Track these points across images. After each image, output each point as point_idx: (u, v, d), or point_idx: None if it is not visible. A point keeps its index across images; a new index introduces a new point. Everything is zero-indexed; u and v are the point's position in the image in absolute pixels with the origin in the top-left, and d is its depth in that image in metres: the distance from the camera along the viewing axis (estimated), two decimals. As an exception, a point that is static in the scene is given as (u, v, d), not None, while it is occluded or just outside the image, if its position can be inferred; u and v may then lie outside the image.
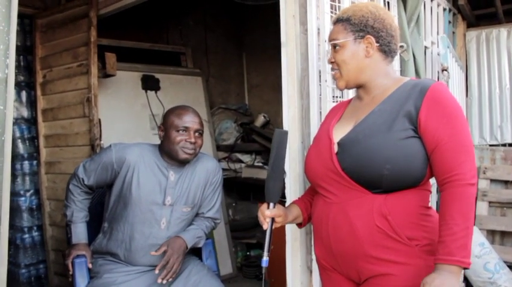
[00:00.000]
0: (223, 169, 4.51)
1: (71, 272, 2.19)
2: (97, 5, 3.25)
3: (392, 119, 1.41)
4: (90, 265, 2.22)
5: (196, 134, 2.22)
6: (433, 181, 1.50)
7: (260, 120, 4.76)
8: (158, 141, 2.32)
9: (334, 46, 1.55)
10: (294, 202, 1.74)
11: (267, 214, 1.53)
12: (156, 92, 4.11)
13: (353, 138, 1.46)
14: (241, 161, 4.60)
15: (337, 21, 1.56)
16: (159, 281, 2.07)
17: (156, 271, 2.08)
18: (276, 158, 1.51)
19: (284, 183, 1.52)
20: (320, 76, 2.04)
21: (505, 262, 3.24)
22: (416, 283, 1.37)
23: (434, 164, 1.38)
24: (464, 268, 1.29)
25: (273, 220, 1.55)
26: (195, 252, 2.45)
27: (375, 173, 1.37)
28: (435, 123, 1.36)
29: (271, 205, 1.54)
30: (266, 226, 1.53)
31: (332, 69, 1.61)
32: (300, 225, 1.75)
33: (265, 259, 1.51)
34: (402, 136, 1.38)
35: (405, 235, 1.39)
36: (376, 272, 1.42)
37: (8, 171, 1.24)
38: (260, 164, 4.37)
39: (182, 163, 2.26)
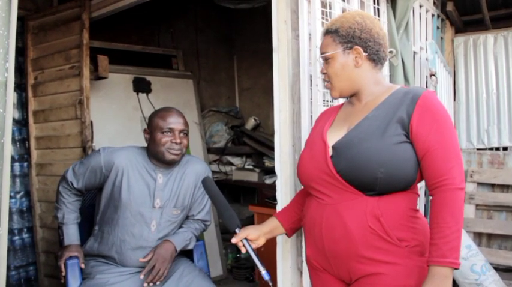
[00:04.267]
0: (214, 172, 4.54)
1: (63, 274, 2.19)
2: (89, 8, 3.26)
3: (385, 125, 1.45)
4: (82, 266, 2.23)
5: (182, 134, 2.22)
6: (421, 185, 1.53)
7: (251, 123, 4.79)
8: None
9: (325, 58, 1.59)
10: (274, 215, 1.81)
11: (234, 240, 1.63)
12: (147, 95, 4.13)
13: (348, 142, 1.49)
14: (231, 164, 4.61)
15: (326, 32, 1.60)
16: (145, 285, 2.10)
17: (141, 277, 2.11)
18: (216, 197, 1.69)
19: (232, 210, 1.66)
20: (311, 81, 2.07)
21: (491, 263, 3.28)
22: (405, 282, 1.42)
23: (424, 169, 1.42)
24: (455, 269, 1.33)
25: (248, 240, 1.63)
26: (187, 253, 2.47)
27: (369, 176, 1.41)
28: (426, 129, 1.40)
29: (236, 230, 1.63)
30: (244, 249, 1.63)
31: (324, 80, 1.64)
32: (288, 235, 1.82)
33: (263, 272, 1.56)
34: (395, 141, 1.42)
35: (396, 236, 1.42)
36: (367, 272, 1.45)
37: (8, 173, 1.24)
38: (250, 167, 4.39)
39: (170, 165, 2.27)
